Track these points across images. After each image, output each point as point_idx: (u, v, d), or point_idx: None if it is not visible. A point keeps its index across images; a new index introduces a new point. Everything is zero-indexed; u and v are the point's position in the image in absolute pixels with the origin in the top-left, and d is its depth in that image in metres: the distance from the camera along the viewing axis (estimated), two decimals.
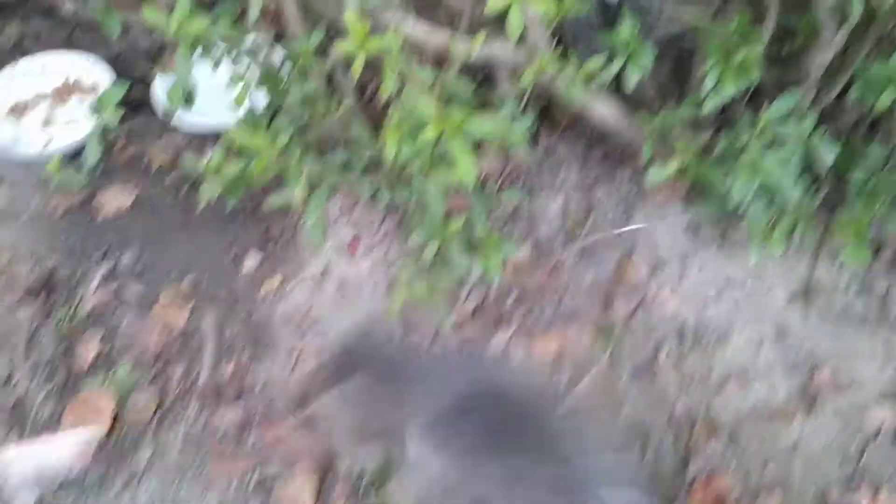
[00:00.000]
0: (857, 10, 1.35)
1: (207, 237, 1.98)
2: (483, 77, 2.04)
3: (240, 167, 1.58)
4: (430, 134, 1.36)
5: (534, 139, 2.01)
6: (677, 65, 2.01)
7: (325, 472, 1.63)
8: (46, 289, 1.91)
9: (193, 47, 1.50)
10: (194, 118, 2.03)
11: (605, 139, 2.00)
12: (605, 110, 1.76)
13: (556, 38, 1.95)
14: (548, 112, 2.03)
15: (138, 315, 1.87)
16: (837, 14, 1.49)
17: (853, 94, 1.50)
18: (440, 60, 1.58)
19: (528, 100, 1.90)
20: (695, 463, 1.62)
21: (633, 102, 1.95)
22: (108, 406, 1.71)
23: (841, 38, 1.51)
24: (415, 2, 2.19)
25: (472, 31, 1.63)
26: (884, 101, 1.43)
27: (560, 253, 1.90)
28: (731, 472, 1.62)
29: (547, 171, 2.00)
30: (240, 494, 1.62)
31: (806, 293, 1.83)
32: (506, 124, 1.48)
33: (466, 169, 1.40)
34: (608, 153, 2.00)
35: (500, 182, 1.92)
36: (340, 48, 1.37)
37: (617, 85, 1.96)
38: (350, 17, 1.34)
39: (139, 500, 1.62)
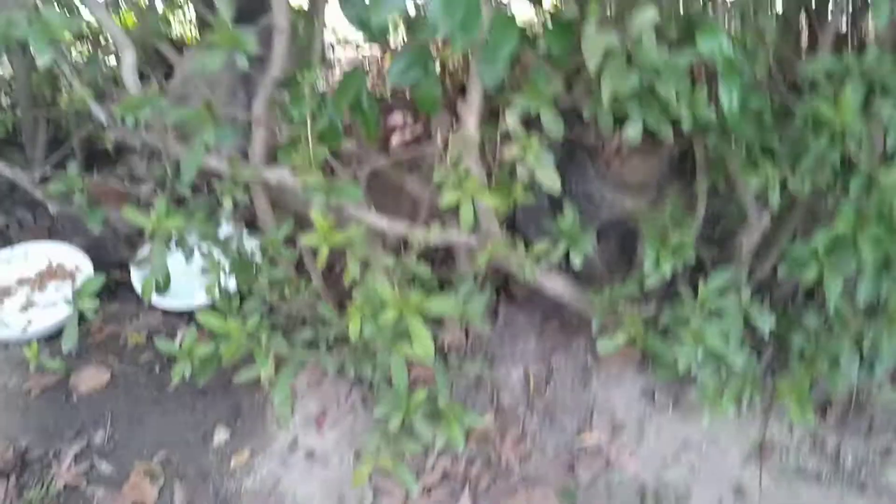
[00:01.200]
0: (774, 201, 1.49)
1: (178, 413, 2.02)
2: (444, 255, 2.18)
3: (211, 349, 1.66)
4: (389, 315, 1.46)
5: (493, 312, 2.12)
6: (623, 243, 2.16)
7: None
8: (18, 468, 1.92)
9: (169, 241, 1.61)
10: (169, 301, 2.13)
11: (560, 310, 2.11)
12: (556, 286, 1.88)
13: (510, 221, 2.11)
14: (506, 286, 2.15)
15: (109, 492, 1.88)
16: (761, 201, 1.64)
17: (782, 270, 1.62)
18: (403, 243, 1.70)
19: (486, 277, 2.03)
20: None
21: (585, 277, 2.08)
22: None
23: (765, 221, 1.65)
24: (380, 189, 2.37)
25: (432, 216, 1.77)
26: (808, 277, 1.55)
27: (523, 420, 1.96)
28: None
29: (507, 341, 2.09)
30: None
31: (760, 453, 1.89)
32: (460, 304, 1.58)
33: (424, 345, 1.49)
34: (564, 323, 2.11)
35: (462, 353, 2.01)
36: (306, 241, 1.49)
37: (568, 262, 2.11)
38: (315, 214, 1.47)
39: None
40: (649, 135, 1.45)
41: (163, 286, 1.72)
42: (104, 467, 1.94)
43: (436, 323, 1.90)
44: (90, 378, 2.10)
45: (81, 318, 1.77)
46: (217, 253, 1.71)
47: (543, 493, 1.85)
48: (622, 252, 2.15)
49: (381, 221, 1.63)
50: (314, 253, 1.62)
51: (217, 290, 1.72)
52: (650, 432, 1.94)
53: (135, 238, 2.39)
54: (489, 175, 1.64)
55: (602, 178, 1.83)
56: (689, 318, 1.69)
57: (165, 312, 2.19)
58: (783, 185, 1.52)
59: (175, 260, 1.79)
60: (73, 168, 1.59)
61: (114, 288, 2.27)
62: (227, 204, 1.58)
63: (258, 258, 1.76)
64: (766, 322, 1.70)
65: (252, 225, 1.88)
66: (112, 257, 2.37)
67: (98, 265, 2.30)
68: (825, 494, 1.83)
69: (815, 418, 1.92)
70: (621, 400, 1.99)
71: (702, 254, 1.94)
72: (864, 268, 1.52)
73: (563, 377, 2.03)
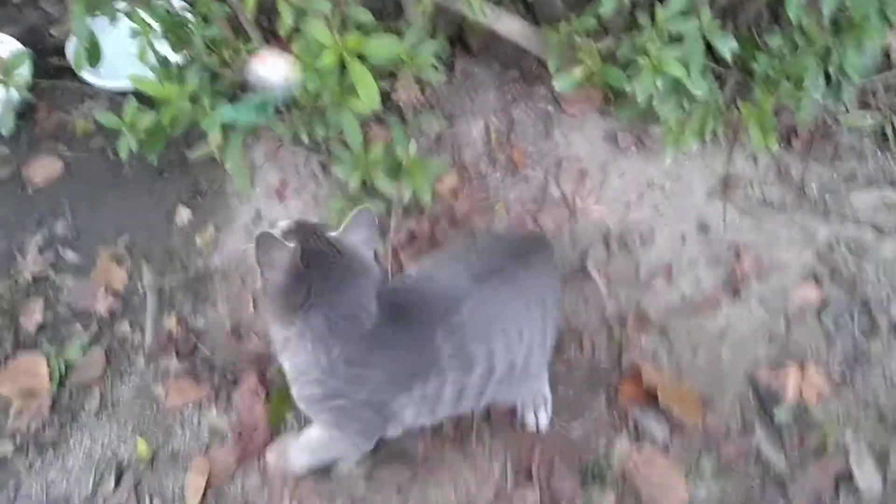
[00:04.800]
0: None
1: (138, 197, 1.99)
2: (393, 7, 2.06)
3: (154, 118, 1.60)
4: (327, 60, 1.38)
5: (449, 66, 2.03)
6: None
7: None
8: None
9: (89, 3, 1.50)
10: (112, 81, 2.04)
11: (519, 60, 2.03)
12: (511, 27, 1.78)
13: None
14: (461, 38, 2.06)
15: (78, 279, 1.89)
16: None
17: None
18: None
19: (438, 26, 1.93)
20: (628, 356, 1.69)
21: (545, 20, 1.98)
22: (41, 369, 1.75)
23: None
24: None
25: None
26: None
27: (486, 175, 1.93)
28: (663, 362, 1.69)
29: (465, 95, 2.03)
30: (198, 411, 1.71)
31: (724, 187, 1.88)
32: (401, 44, 1.50)
33: (369, 91, 1.43)
34: (524, 73, 2.03)
35: (419, 110, 1.94)
36: None
37: (525, 6, 2.00)
38: None
39: (98, 442, 1.69)
40: None
41: (93, 55, 1.63)
42: (70, 255, 1.93)
43: (388, 77, 1.83)
44: (43, 168, 2.05)
45: (26, 105, 1.70)
46: (145, 15, 1.60)
47: None
48: None
49: None
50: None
51: (151, 55, 1.63)
52: (613, 176, 1.92)
53: (69, 23, 2.25)
54: None
55: None
56: (648, 46, 1.62)
57: (112, 96, 2.10)
58: None
59: (118, 38, 1.69)
60: None
61: (55, 74, 2.16)
62: None
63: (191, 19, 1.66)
64: (728, 45, 1.63)
65: None
66: (48, 44, 2.24)
67: (35, 53, 2.18)
68: (789, 223, 1.84)
69: (780, 147, 1.89)
70: (584, 146, 1.95)
71: None
72: None
73: (524, 128, 1.98)
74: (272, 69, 1.59)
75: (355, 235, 1.27)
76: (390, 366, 1.30)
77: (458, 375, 1.32)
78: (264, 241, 1.15)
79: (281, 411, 1.67)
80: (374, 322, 1.26)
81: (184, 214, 1.95)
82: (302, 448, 1.54)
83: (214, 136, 1.60)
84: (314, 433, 1.50)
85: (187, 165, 2.00)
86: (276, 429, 1.66)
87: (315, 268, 1.20)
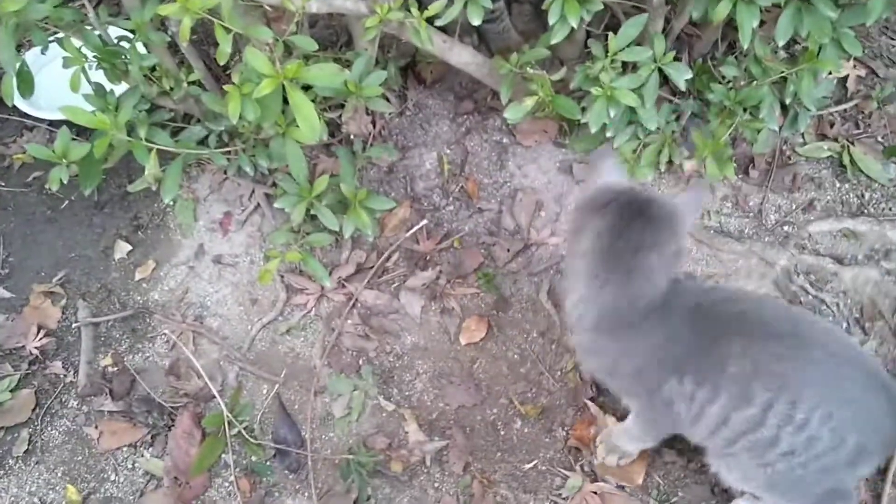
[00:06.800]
0: None
1: (76, 231, 1.91)
2: (347, 39, 2.01)
3: (87, 149, 1.52)
4: (265, 88, 1.32)
5: (402, 97, 1.98)
6: (539, 9, 2.00)
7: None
8: None
9: (17, 30, 1.43)
10: (52, 112, 1.96)
11: (473, 91, 1.99)
12: (464, 58, 1.73)
13: None
14: (414, 69, 2.01)
15: (10, 317, 1.79)
16: None
17: (694, 12, 1.50)
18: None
19: (390, 56, 1.88)
20: (583, 391, 1.63)
21: (499, 49, 1.94)
22: None
23: None
24: None
25: None
26: (720, 13, 1.43)
27: (439, 206, 1.88)
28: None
29: (418, 126, 1.97)
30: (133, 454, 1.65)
31: None
32: (345, 73, 1.45)
33: (311, 123, 1.36)
34: (478, 104, 1.99)
35: (370, 141, 1.88)
36: (163, 11, 1.32)
37: (480, 36, 1.96)
38: None
39: (25, 489, 1.61)
40: None
41: (24, 85, 1.55)
42: (1, 293, 1.84)
43: (336, 108, 1.77)
44: None
45: None
46: (77, 42, 1.53)
47: (463, 279, 1.80)
48: (538, 18, 1.99)
49: None
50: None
51: (85, 83, 1.55)
52: (569, 207, 1.87)
53: None
54: None
55: None
56: (601, 76, 1.58)
57: (52, 128, 2.01)
58: None
59: (57, 67, 1.61)
60: None
61: None
62: None
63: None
64: (682, 74, 1.60)
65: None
66: None
67: None
68: (747, 252, 1.79)
69: (738, 177, 1.87)
70: (539, 177, 1.90)
71: (616, 9, 1.80)
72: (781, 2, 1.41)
73: (478, 160, 1.93)
74: None
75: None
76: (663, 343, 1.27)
77: (727, 401, 1.22)
78: None
79: (210, 455, 1.60)
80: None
81: (123, 249, 1.87)
82: (619, 435, 1.54)
83: (151, 169, 1.53)
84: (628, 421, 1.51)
85: (128, 199, 1.92)
86: (202, 473, 1.59)
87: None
